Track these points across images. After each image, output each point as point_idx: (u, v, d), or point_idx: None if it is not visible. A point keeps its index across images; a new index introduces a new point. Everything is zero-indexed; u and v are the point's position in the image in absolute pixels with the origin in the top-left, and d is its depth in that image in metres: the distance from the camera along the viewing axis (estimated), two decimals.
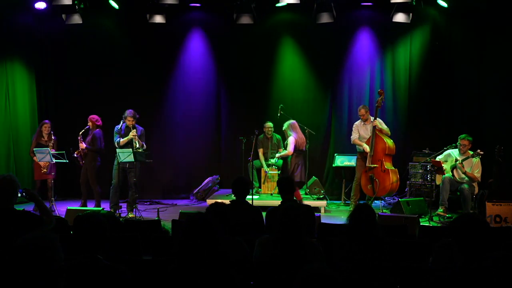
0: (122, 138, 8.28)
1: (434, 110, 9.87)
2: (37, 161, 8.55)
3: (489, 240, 2.58)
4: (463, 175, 7.86)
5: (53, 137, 8.77)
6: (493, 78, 9.34)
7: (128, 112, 8.33)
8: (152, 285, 3.56)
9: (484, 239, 2.56)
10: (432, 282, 2.58)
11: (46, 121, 8.83)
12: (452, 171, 7.99)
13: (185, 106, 10.48)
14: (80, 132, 8.54)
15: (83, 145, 8.50)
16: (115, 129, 8.39)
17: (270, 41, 10.33)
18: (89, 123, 8.58)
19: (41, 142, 8.66)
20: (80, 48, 10.36)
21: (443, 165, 8.10)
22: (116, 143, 8.34)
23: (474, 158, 7.80)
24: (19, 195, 3.94)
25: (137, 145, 8.17)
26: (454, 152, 8.06)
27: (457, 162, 7.85)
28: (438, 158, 8.17)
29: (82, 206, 8.47)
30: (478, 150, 7.71)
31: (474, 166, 7.84)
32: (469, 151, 7.90)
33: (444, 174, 7.98)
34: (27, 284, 2.25)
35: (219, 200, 4.17)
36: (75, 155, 8.61)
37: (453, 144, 8.17)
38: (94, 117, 8.66)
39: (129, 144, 8.24)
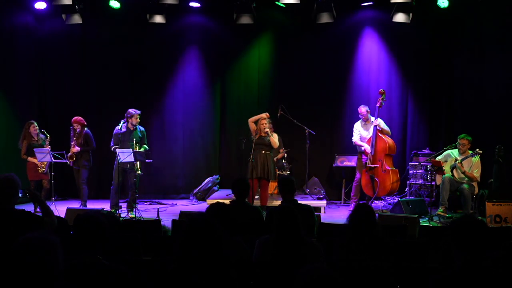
0: (121, 141, 8.20)
1: (435, 110, 9.86)
2: (31, 162, 8.54)
3: (488, 240, 2.58)
4: (463, 175, 7.86)
5: (41, 136, 8.71)
6: (493, 78, 9.34)
7: (134, 111, 8.29)
8: (152, 285, 3.56)
9: (483, 240, 2.56)
10: (432, 282, 2.58)
11: (32, 121, 8.72)
12: (451, 171, 7.99)
13: (185, 106, 10.49)
14: (75, 138, 8.52)
15: (76, 149, 8.48)
16: (115, 131, 8.36)
17: (271, 40, 10.33)
18: (77, 125, 8.52)
19: (33, 143, 8.62)
20: (80, 48, 10.36)
21: (443, 165, 8.10)
22: (112, 148, 8.33)
23: (473, 158, 7.80)
24: (21, 195, 3.95)
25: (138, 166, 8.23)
26: (454, 152, 8.06)
27: (457, 162, 7.85)
28: (438, 158, 8.17)
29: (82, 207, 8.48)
30: (477, 149, 7.71)
31: (473, 166, 7.84)
32: (469, 151, 7.90)
33: (444, 174, 7.98)
34: (25, 285, 2.25)
35: (220, 200, 4.17)
36: (69, 161, 8.56)
37: (453, 144, 8.17)
38: (80, 118, 8.62)
39: (134, 144, 8.21)
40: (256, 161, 7.82)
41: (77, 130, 8.53)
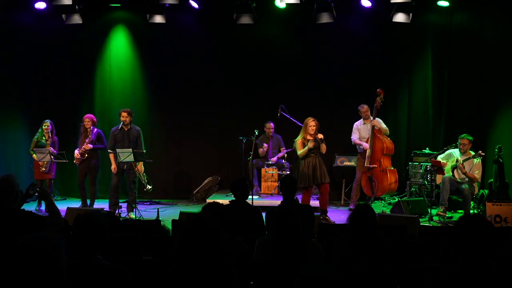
0: (116, 144, 8.23)
1: (435, 109, 9.86)
2: (37, 160, 8.53)
3: (494, 240, 2.58)
4: (464, 175, 7.85)
5: (53, 137, 8.70)
6: (493, 77, 9.34)
7: (123, 110, 8.32)
8: (152, 285, 3.56)
9: (490, 239, 2.56)
10: (432, 282, 2.57)
11: (47, 120, 8.76)
12: (452, 171, 7.98)
13: (185, 106, 10.48)
14: (85, 135, 8.52)
15: (89, 146, 8.47)
16: (112, 130, 8.38)
17: (271, 40, 10.31)
18: (89, 123, 8.52)
19: (42, 140, 8.63)
20: (80, 48, 10.36)
21: (442, 165, 8.10)
22: (108, 149, 8.35)
23: (475, 159, 7.79)
24: (32, 192, 3.96)
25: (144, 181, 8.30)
26: (455, 152, 8.05)
27: (458, 162, 7.84)
28: (439, 158, 8.16)
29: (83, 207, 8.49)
30: (480, 151, 7.70)
31: (475, 167, 7.83)
32: (471, 151, 7.89)
33: (444, 174, 7.98)
34: (26, 284, 2.25)
35: (218, 200, 4.17)
36: (75, 161, 8.55)
37: (453, 144, 8.17)
38: (92, 116, 8.64)
39: (128, 144, 8.21)
40: (309, 167, 7.53)
41: (87, 127, 8.50)
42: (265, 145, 9.65)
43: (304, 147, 7.59)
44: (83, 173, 8.61)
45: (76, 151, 8.51)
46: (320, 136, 7.56)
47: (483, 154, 7.73)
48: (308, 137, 7.58)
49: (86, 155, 8.49)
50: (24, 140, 9.83)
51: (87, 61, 10.41)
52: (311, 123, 7.60)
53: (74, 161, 8.55)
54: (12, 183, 3.81)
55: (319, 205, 7.71)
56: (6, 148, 9.66)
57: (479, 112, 9.44)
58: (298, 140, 7.66)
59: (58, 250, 2.32)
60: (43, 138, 8.62)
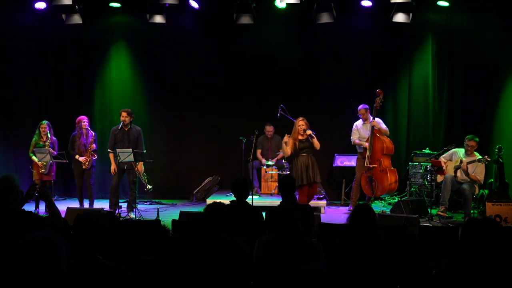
0: (116, 144, 8.24)
1: (435, 109, 9.86)
2: (36, 162, 8.51)
3: (499, 241, 2.59)
4: (466, 177, 7.81)
5: (52, 137, 8.69)
6: (494, 77, 9.34)
7: (123, 110, 8.32)
8: (152, 285, 3.56)
9: (496, 241, 2.57)
10: (433, 282, 2.58)
11: (44, 121, 8.72)
12: (455, 171, 7.94)
13: (185, 106, 10.48)
14: (85, 136, 8.51)
15: (94, 146, 8.45)
16: (112, 130, 8.38)
17: (271, 40, 10.30)
18: (86, 124, 8.50)
19: (40, 143, 8.62)
20: (80, 48, 10.36)
21: (443, 165, 8.08)
22: (108, 148, 8.34)
23: (479, 163, 7.74)
24: (32, 192, 3.97)
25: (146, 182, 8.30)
26: (459, 152, 8.00)
27: (462, 163, 7.77)
28: (443, 156, 8.15)
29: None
30: (486, 156, 7.66)
31: (478, 169, 7.79)
32: (475, 153, 7.84)
33: (445, 174, 7.96)
34: (26, 284, 2.25)
35: (218, 200, 4.17)
36: (85, 163, 8.50)
37: (453, 144, 8.16)
38: (86, 118, 8.62)
39: (128, 144, 8.22)
40: (302, 166, 7.60)
41: (84, 127, 8.48)
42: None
43: (293, 147, 7.61)
44: (82, 175, 8.59)
45: (82, 158, 8.44)
46: (309, 132, 7.60)
47: (489, 159, 7.66)
48: (300, 137, 7.60)
49: (95, 155, 8.49)
50: (24, 141, 9.81)
51: (87, 61, 10.41)
52: (300, 123, 7.68)
53: (84, 166, 8.47)
54: (12, 183, 3.81)
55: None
56: (6, 148, 9.66)
57: (479, 112, 9.43)
58: (289, 141, 7.64)
59: (58, 250, 2.32)
60: (41, 139, 8.59)
